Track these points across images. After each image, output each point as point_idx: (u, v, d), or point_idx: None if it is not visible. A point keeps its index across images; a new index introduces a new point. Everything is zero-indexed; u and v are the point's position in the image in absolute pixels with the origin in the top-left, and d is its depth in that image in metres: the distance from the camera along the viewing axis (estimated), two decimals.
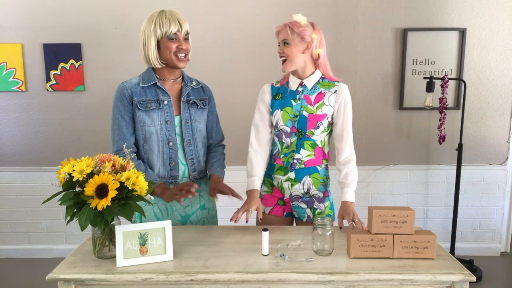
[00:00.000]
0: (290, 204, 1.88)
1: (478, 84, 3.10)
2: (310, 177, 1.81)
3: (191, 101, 1.76)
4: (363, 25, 3.04)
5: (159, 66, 1.68)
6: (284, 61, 1.76)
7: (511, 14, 3.01)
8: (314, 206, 1.84)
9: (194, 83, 1.81)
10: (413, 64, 3.06)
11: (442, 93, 2.90)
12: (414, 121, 3.16)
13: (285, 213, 1.90)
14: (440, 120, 2.93)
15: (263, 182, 1.91)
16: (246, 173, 1.86)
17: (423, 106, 2.94)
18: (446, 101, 2.91)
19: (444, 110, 2.91)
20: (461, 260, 2.87)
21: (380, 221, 1.37)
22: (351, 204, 1.75)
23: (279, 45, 1.78)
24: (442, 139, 2.95)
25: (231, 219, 1.66)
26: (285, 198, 1.88)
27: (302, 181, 1.82)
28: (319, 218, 1.44)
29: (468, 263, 2.93)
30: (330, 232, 1.42)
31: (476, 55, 3.06)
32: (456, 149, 2.94)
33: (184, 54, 1.67)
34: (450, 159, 3.16)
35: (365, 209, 1.48)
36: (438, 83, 2.93)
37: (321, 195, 1.84)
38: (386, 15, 3.03)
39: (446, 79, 2.88)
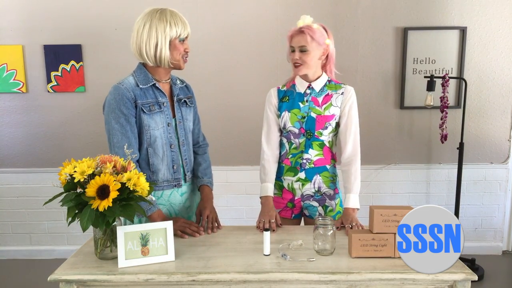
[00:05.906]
0: (300, 205, 1.89)
1: (479, 83, 3.09)
2: (320, 175, 1.83)
3: (181, 100, 1.75)
4: (363, 24, 3.04)
5: (167, 66, 1.63)
6: (297, 66, 1.73)
7: None
8: (326, 204, 1.85)
9: (178, 81, 1.78)
10: (413, 63, 3.06)
11: (443, 92, 2.90)
12: (415, 120, 3.15)
13: (293, 215, 1.91)
14: (441, 119, 2.93)
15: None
16: (260, 178, 1.87)
17: (424, 105, 2.94)
18: (447, 100, 2.90)
19: (445, 109, 2.91)
20: (463, 259, 2.86)
21: (382, 220, 1.37)
22: (353, 211, 1.75)
23: (292, 50, 1.74)
24: (444, 138, 2.94)
25: (257, 225, 1.71)
26: (295, 199, 1.88)
27: (313, 180, 1.83)
28: (320, 218, 1.45)
29: (470, 262, 2.93)
30: (332, 231, 1.42)
31: (476, 53, 3.05)
32: (457, 148, 2.94)
33: (187, 56, 1.67)
34: (451, 158, 3.16)
35: (366, 208, 1.48)
36: (439, 82, 2.92)
37: (331, 192, 1.86)
38: (386, 14, 3.02)
39: (447, 78, 2.88)
